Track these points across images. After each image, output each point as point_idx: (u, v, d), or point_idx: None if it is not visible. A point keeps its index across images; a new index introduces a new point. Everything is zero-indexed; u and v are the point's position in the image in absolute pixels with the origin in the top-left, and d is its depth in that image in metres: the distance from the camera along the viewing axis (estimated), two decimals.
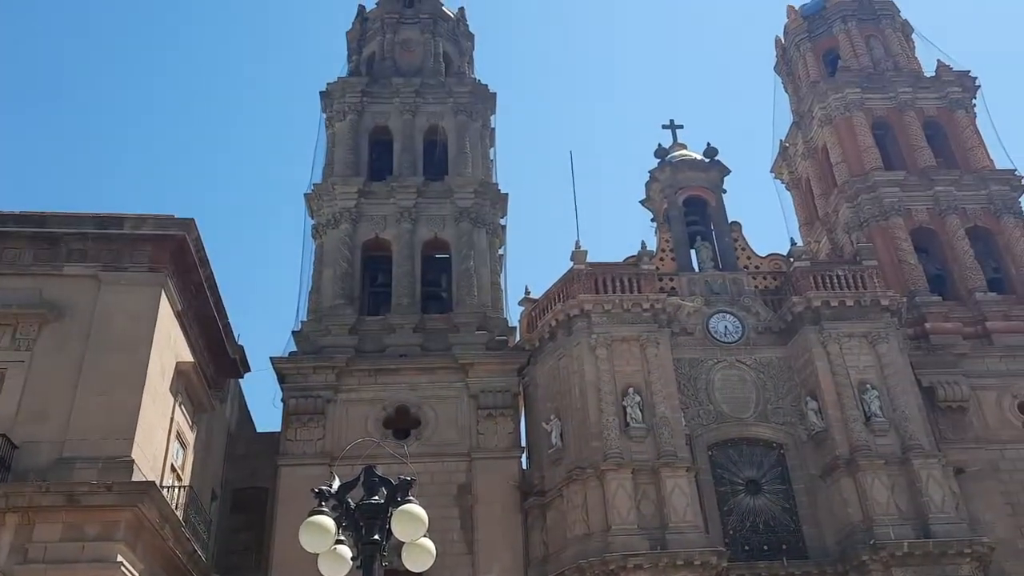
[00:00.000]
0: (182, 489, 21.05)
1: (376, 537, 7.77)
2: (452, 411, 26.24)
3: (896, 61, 35.95)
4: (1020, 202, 31.35)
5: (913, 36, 37.72)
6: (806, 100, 36.07)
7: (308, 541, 7.78)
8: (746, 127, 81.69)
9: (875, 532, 22.10)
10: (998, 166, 32.19)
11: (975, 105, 34.30)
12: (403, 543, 8.21)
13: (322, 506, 7.86)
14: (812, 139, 35.73)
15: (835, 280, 26.77)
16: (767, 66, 40.95)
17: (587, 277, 26.51)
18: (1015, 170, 31.85)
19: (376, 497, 7.91)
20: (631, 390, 24.49)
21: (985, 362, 27.12)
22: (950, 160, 32.93)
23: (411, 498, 7.91)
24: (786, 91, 39.69)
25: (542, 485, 24.70)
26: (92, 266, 20.12)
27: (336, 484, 8.10)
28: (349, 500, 8.03)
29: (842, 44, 36.71)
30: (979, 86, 34.51)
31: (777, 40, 40.22)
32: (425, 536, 8.05)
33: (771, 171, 39.20)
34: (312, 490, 8.01)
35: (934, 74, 35.08)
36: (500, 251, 31.61)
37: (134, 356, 19.01)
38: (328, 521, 7.74)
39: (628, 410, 24.15)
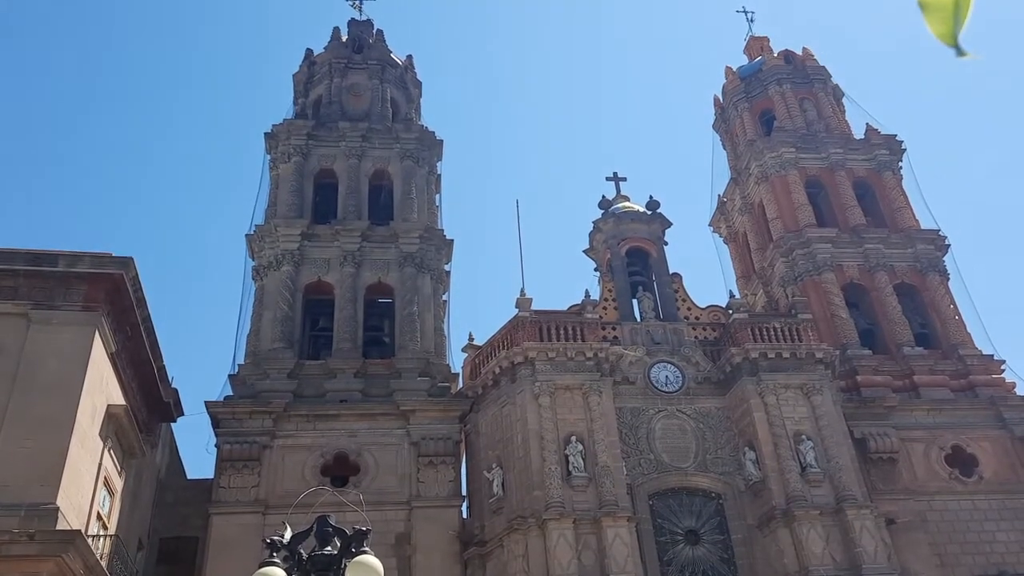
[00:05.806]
0: (108, 538, 20.09)
1: None
2: (392, 458, 25.81)
3: (828, 123, 37.50)
4: (944, 261, 32.79)
5: (844, 100, 39.49)
6: (743, 157, 37.24)
7: None
8: (686, 181, 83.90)
9: None
10: (923, 226, 33.65)
11: (901, 167, 35.93)
12: None
13: (273, 557, 7.62)
14: (749, 195, 36.83)
15: (772, 332, 27.36)
16: (706, 123, 42.31)
17: (531, 325, 26.58)
18: (939, 230, 33.31)
19: (329, 548, 7.71)
20: (573, 438, 24.47)
21: (913, 415, 27.95)
22: (879, 219, 34.28)
23: (366, 549, 7.74)
24: (724, 148, 40.97)
25: (482, 535, 24.38)
26: (23, 304, 19.33)
27: (288, 534, 7.88)
28: (301, 551, 7.81)
29: (777, 105, 38.14)
30: (905, 149, 36.16)
31: (716, 99, 41.60)
32: None
33: (710, 225, 40.22)
34: (263, 540, 7.77)
35: (863, 137, 36.66)
36: (444, 297, 31.54)
37: (64, 399, 18.21)
38: (279, 572, 7.51)
39: (570, 459, 24.10)
